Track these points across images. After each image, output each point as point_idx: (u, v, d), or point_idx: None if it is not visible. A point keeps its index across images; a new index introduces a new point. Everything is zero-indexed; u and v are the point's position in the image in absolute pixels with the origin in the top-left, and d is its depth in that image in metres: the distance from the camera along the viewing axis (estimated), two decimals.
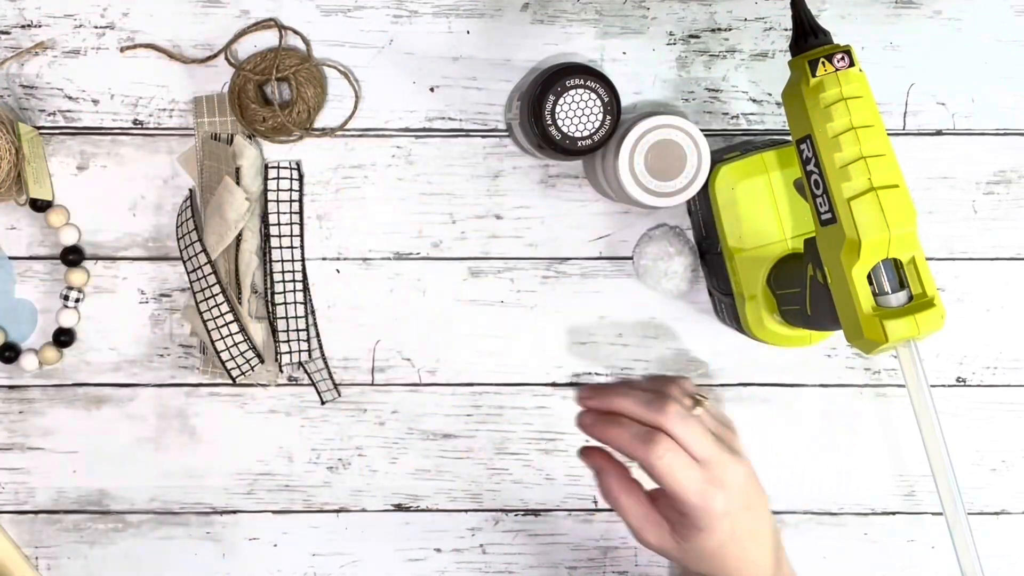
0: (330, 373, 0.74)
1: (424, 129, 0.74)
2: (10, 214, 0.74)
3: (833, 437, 0.76)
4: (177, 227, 0.73)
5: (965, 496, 0.57)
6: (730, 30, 0.73)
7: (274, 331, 0.73)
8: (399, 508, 0.76)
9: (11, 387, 0.75)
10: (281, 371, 0.74)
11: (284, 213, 0.72)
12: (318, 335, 0.74)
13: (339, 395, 0.74)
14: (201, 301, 0.72)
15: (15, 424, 0.75)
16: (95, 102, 0.73)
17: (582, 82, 0.64)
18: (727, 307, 0.71)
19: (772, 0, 0.73)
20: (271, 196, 0.72)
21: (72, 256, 0.73)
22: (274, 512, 0.76)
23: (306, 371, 0.74)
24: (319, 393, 0.74)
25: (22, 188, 0.71)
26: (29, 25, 0.72)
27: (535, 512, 0.76)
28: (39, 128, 0.73)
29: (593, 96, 0.64)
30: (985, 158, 0.74)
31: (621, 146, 0.64)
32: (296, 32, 0.72)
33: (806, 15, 0.58)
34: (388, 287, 0.74)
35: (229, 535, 0.76)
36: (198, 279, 0.71)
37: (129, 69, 0.73)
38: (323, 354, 0.74)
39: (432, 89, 0.73)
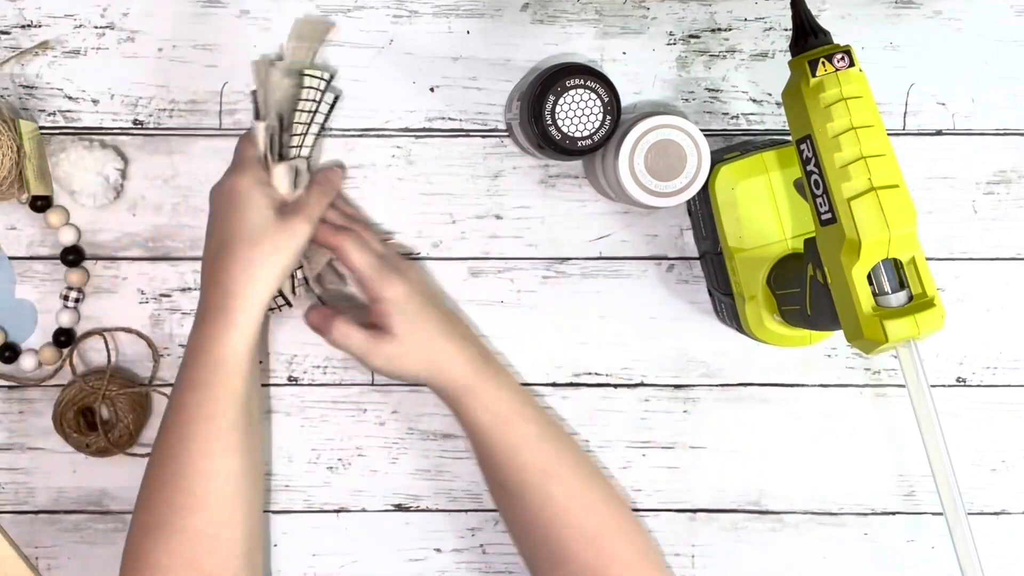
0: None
1: (424, 129, 0.74)
2: (10, 214, 0.74)
3: (833, 437, 0.76)
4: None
5: (965, 496, 0.57)
6: (730, 30, 0.73)
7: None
8: (399, 508, 0.76)
9: (11, 387, 0.75)
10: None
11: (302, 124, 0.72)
12: None
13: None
14: None
15: (15, 424, 0.75)
16: (95, 102, 0.73)
17: (582, 82, 0.64)
18: (727, 307, 0.71)
19: (772, 0, 0.73)
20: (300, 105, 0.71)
21: (72, 256, 0.73)
22: (274, 512, 0.76)
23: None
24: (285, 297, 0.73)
25: (23, 186, 0.71)
26: (29, 25, 0.72)
27: None
28: (39, 128, 0.73)
29: (593, 96, 0.64)
30: (985, 158, 0.74)
31: (621, 146, 0.64)
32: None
33: (806, 15, 0.58)
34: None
35: None
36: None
37: (129, 69, 0.73)
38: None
39: (432, 89, 0.73)
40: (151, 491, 0.65)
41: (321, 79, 0.71)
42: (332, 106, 0.72)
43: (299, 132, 0.71)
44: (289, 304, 0.72)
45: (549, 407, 0.75)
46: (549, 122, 0.64)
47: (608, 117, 0.64)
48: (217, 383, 0.64)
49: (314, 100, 0.71)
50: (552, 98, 0.64)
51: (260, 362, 0.74)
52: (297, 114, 0.70)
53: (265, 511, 0.76)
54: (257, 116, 0.70)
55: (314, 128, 0.71)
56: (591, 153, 0.66)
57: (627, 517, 0.69)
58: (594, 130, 0.64)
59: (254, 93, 0.71)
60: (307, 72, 0.70)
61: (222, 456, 0.64)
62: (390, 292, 0.67)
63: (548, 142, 0.64)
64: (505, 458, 0.68)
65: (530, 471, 0.67)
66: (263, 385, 0.75)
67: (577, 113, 0.64)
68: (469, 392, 0.68)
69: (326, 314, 0.68)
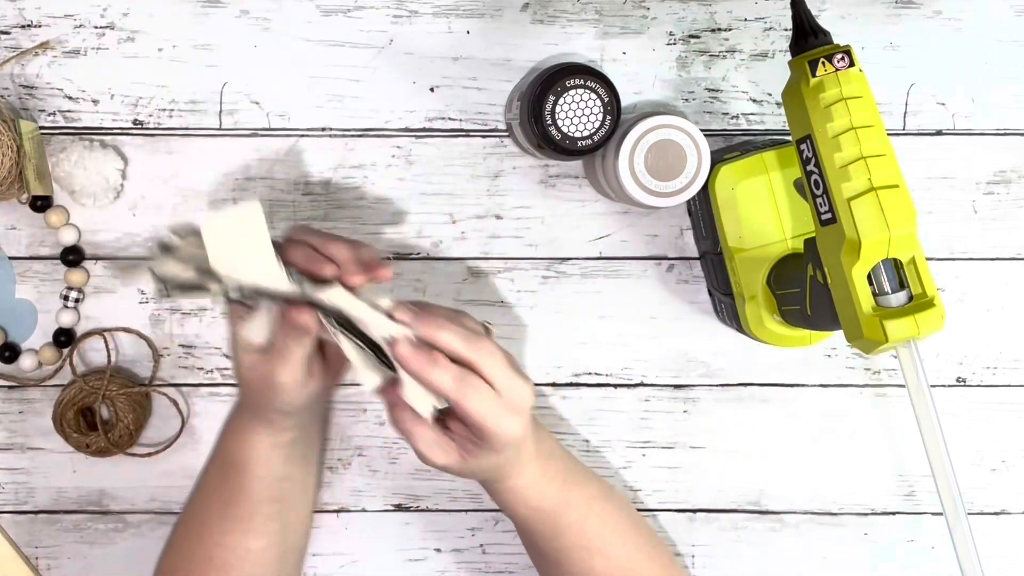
0: None
1: (424, 129, 0.74)
2: (10, 214, 0.74)
3: (833, 437, 0.76)
4: None
5: (965, 496, 0.57)
6: (730, 30, 0.73)
7: None
8: (399, 508, 0.76)
9: (11, 387, 0.75)
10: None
11: None
12: None
13: None
14: None
15: (15, 424, 0.75)
16: (95, 102, 0.73)
17: (582, 82, 0.64)
18: (727, 307, 0.71)
19: (772, 0, 0.73)
20: None
21: (72, 256, 0.73)
22: None
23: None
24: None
25: (23, 186, 0.71)
26: (29, 25, 0.72)
27: None
28: (39, 128, 0.73)
29: (593, 96, 0.64)
30: (985, 158, 0.74)
31: (621, 146, 0.64)
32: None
33: (806, 15, 0.58)
34: (388, 287, 0.74)
35: None
36: None
37: (129, 69, 0.73)
38: None
39: (432, 89, 0.73)
40: (176, 545, 0.67)
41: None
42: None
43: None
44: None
45: (549, 407, 0.75)
46: (549, 122, 0.64)
47: (608, 117, 0.64)
48: (233, 474, 0.64)
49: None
50: (552, 98, 0.64)
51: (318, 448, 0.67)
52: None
53: None
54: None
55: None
56: (591, 153, 0.66)
57: None
58: (594, 130, 0.64)
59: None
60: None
61: (242, 535, 0.64)
62: (511, 434, 0.57)
63: (548, 142, 0.64)
64: (545, 539, 0.65)
65: (572, 550, 0.64)
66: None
67: (577, 113, 0.64)
68: (514, 492, 0.62)
69: (418, 415, 0.59)
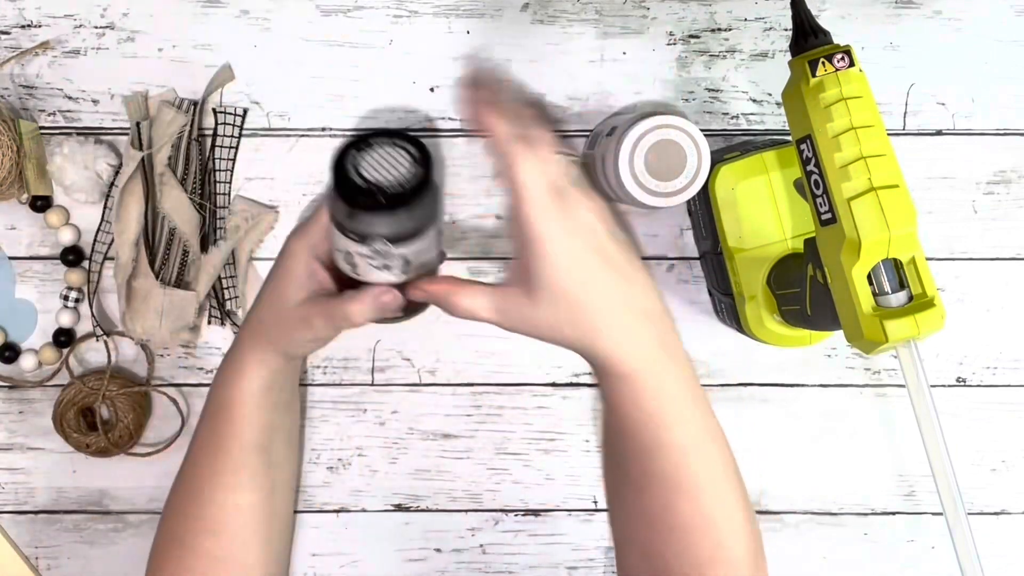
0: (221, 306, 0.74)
1: (424, 129, 0.74)
2: (10, 214, 0.74)
3: (833, 437, 0.76)
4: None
5: (965, 496, 0.57)
6: (730, 30, 0.73)
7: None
8: (399, 508, 0.76)
9: (11, 387, 0.75)
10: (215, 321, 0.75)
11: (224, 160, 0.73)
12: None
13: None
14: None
15: (15, 424, 0.75)
16: (95, 102, 0.73)
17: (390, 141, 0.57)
18: (727, 307, 0.71)
19: (772, 0, 0.73)
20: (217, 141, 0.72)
21: (72, 256, 0.73)
22: None
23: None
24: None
25: (23, 186, 0.71)
26: (29, 25, 0.72)
27: (535, 512, 0.76)
28: (39, 128, 0.73)
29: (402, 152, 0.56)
30: (985, 158, 0.74)
31: (621, 146, 0.64)
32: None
33: (806, 15, 0.58)
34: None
35: None
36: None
37: (129, 69, 0.73)
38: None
39: (432, 89, 0.73)
40: (172, 504, 0.66)
41: (235, 115, 0.72)
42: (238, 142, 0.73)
43: (225, 168, 0.72)
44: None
45: (548, 407, 0.75)
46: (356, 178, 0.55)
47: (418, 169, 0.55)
48: (221, 423, 0.64)
49: (233, 136, 0.72)
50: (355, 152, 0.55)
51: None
52: (219, 150, 0.72)
53: None
54: (141, 147, 0.70)
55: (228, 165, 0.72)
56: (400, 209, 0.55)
57: (749, 550, 0.57)
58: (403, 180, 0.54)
59: (138, 125, 0.71)
60: (220, 110, 0.72)
61: (232, 490, 0.64)
62: (551, 227, 0.51)
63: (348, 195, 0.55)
64: (644, 457, 0.55)
65: (663, 478, 0.55)
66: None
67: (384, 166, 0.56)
68: (626, 382, 0.54)
69: (446, 287, 0.55)
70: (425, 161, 0.55)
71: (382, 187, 0.54)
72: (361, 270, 0.57)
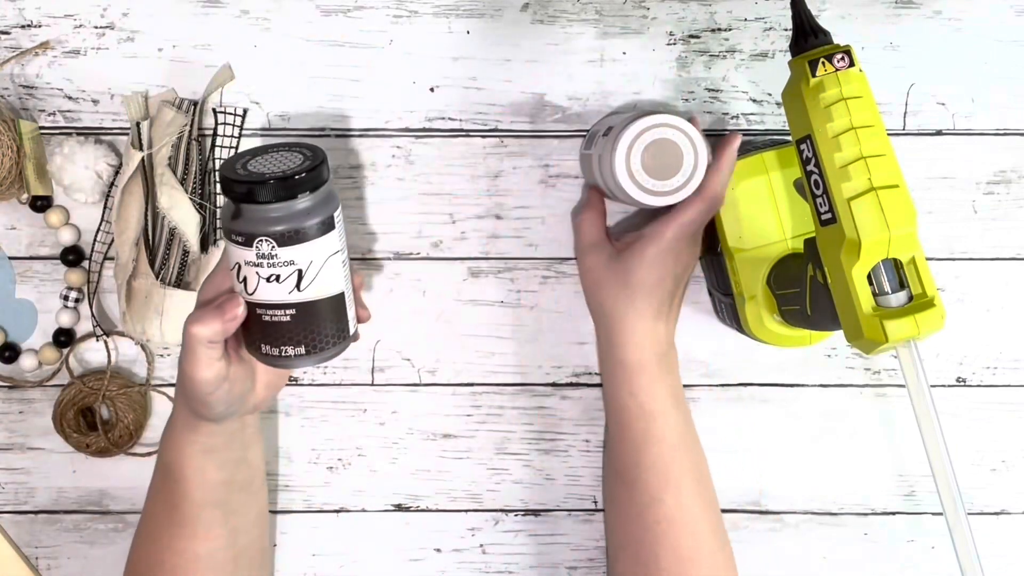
0: None
1: (424, 129, 0.74)
2: (10, 214, 0.74)
3: (833, 437, 0.76)
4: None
5: (965, 496, 0.57)
6: (730, 30, 0.73)
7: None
8: (399, 508, 0.76)
9: (11, 387, 0.75)
10: None
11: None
12: None
13: None
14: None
15: (15, 424, 0.75)
16: (95, 102, 0.73)
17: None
18: (727, 307, 0.71)
19: (772, 0, 0.73)
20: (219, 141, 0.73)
21: (72, 256, 0.73)
22: (274, 512, 0.76)
23: None
24: None
25: (23, 186, 0.71)
26: (29, 25, 0.72)
27: (535, 512, 0.76)
28: (39, 128, 0.73)
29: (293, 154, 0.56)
30: (985, 158, 0.74)
31: (618, 145, 0.63)
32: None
33: (806, 15, 0.58)
34: (388, 287, 0.74)
35: None
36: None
37: (129, 69, 0.73)
38: None
39: (432, 89, 0.73)
40: (135, 553, 0.67)
41: (235, 115, 0.72)
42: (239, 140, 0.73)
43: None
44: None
45: (547, 407, 0.75)
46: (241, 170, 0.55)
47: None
48: (167, 482, 0.64)
49: (233, 136, 0.72)
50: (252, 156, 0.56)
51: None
52: (219, 150, 0.72)
53: None
54: (141, 147, 0.70)
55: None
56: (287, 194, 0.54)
57: (722, 547, 0.67)
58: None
59: (137, 125, 0.71)
60: (220, 110, 0.72)
61: (188, 539, 0.64)
62: (676, 243, 0.64)
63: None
64: (633, 449, 0.66)
65: (651, 471, 0.65)
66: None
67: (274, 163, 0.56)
68: (628, 372, 0.66)
69: (593, 202, 0.70)
70: (315, 157, 0.54)
71: (264, 175, 0.53)
72: (251, 285, 0.55)
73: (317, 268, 0.55)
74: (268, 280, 0.55)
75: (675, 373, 0.68)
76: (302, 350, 0.57)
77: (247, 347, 0.59)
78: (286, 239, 0.54)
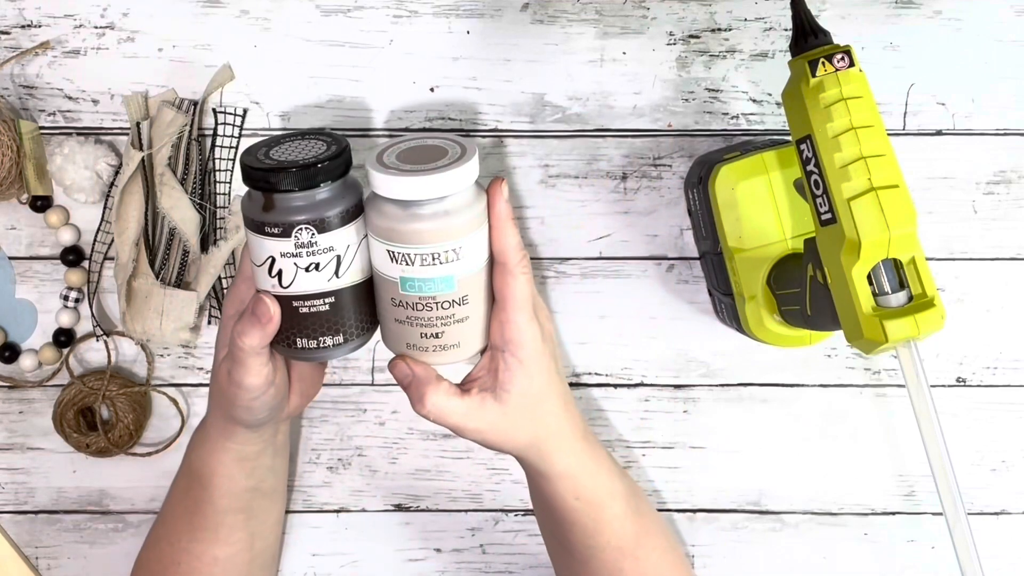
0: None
1: (424, 129, 0.74)
2: (10, 214, 0.74)
3: (833, 437, 0.76)
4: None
5: (965, 496, 0.57)
6: (730, 30, 0.73)
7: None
8: (399, 508, 0.76)
9: (11, 387, 0.75)
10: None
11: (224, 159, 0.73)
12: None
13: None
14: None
15: (15, 424, 0.75)
16: (95, 102, 0.73)
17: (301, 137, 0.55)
18: (727, 307, 0.71)
19: (772, 0, 0.73)
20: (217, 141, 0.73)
21: (72, 256, 0.73)
22: None
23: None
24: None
25: (23, 186, 0.71)
26: (29, 25, 0.72)
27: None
28: (39, 128, 0.73)
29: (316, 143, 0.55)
30: (985, 158, 0.74)
31: (371, 158, 0.54)
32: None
33: (806, 15, 0.58)
34: None
35: None
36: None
37: (129, 69, 0.73)
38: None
39: (432, 89, 0.73)
40: (149, 553, 0.67)
41: (235, 115, 0.72)
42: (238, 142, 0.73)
43: (225, 168, 0.72)
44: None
45: None
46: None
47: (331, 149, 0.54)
48: (195, 486, 0.65)
49: (233, 136, 0.72)
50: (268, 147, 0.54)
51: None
52: (219, 150, 0.72)
53: None
54: (141, 147, 0.70)
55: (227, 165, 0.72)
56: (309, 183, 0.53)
57: None
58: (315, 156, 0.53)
59: (138, 125, 0.71)
60: (220, 110, 0.72)
61: (208, 543, 0.65)
62: (534, 332, 0.55)
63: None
64: (583, 536, 0.62)
65: (607, 548, 0.63)
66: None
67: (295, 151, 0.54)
68: (565, 479, 0.60)
69: (421, 378, 0.56)
70: (339, 142, 0.53)
71: (296, 161, 0.52)
72: (287, 278, 0.53)
73: (354, 252, 0.54)
74: (307, 270, 0.53)
75: (595, 439, 0.63)
76: (340, 339, 0.55)
77: (275, 346, 0.56)
78: (326, 224, 0.52)
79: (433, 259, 0.53)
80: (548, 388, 0.57)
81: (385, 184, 0.52)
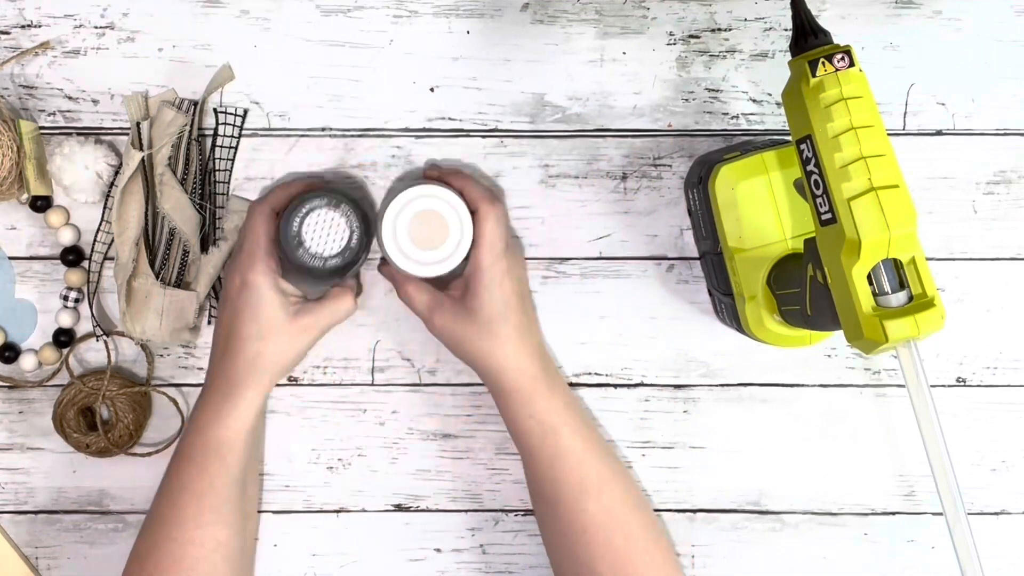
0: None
1: (424, 129, 0.74)
2: (10, 214, 0.74)
3: (833, 437, 0.76)
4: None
5: (965, 496, 0.57)
6: (730, 30, 0.73)
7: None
8: (399, 508, 0.76)
9: (11, 387, 0.75)
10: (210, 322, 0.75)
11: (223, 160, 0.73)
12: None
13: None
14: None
15: (15, 424, 0.75)
16: (95, 102, 0.73)
17: (324, 203, 0.67)
18: (727, 307, 0.71)
19: (772, 0, 0.73)
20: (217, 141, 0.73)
21: (72, 256, 0.73)
22: (274, 512, 0.76)
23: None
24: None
25: (23, 186, 0.71)
26: (29, 25, 0.72)
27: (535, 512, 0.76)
28: (39, 128, 0.73)
29: (336, 215, 0.67)
30: (985, 158, 0.74)
31: (385, 215, 0.66)
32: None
33: (806, 15, 0.58)
34: (388, 287, 0.74)
35: None
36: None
37: (129, 69, 0.73)
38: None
39: (432, 89, 0.73)
40: (141, 553, 0.67)
41: (236, 115, 0.72)
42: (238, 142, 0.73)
43: (225, 169, 0.72)
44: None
45: None
46: (296, 240, 0.67)
47: (354, 235, 0.68)
48: (213, 461, 0.66)
49: (233, 136, 0.72)
50: (298, 220, 0.67)
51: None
52: (219, 150, 0.72)
53: (265, 511, 0.76)
54: (141, 147, 0.71)
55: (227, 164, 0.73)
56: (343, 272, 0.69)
57: (656, 540, 0.69)
58: (342, 248, 0.68)
59: (138, 125, 0.71)
60: (220, 110, 0.72)
61: (212, 526, 0.66)
62: (497, 266, 0.66)
63: (296, 260, 0.67)
64: (546, 467, 0.68)
65: (567, 484, 0.67)
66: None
67: (321, 232, 0.68)
68: (521, 395, 0.67)
69: (403, 275, 0.69)
70: (364, 217, 0.68)
71: (339, 267, 0.68)
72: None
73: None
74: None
75: (563, 383, 0.70)
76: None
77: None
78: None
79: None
80: (504, 314, 0.66)
81: (404, 265, 0.67)
